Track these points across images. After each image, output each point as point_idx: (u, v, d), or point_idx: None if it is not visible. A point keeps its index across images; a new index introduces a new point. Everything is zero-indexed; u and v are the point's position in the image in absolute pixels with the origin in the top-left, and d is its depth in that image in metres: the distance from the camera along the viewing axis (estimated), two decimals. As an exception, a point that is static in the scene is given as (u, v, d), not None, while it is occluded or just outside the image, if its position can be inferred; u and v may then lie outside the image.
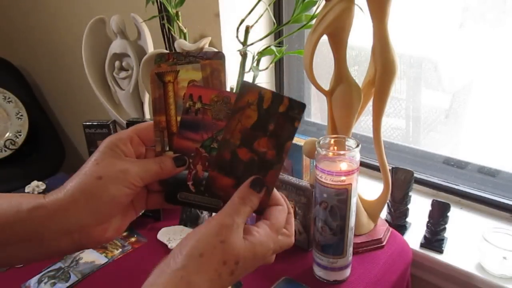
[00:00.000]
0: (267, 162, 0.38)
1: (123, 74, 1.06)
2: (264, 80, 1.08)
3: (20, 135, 1.46)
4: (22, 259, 0.37)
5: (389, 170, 0.72)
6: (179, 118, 0.40)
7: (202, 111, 0.39)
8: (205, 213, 0.79)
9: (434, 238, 0.76)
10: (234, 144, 0.38)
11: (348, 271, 0.65)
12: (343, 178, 0.57)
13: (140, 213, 0.43)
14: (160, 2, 0.93)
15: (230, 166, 0.39)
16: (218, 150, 0.39)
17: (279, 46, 0.81)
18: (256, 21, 0.75)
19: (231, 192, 0.39)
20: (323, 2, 0.63)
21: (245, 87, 0.38)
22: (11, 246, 0.35)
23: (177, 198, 0.42)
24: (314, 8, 0.72)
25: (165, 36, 0.99)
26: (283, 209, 0.40)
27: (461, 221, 0.83)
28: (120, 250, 0.75)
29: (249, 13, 0.74)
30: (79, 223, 0.36)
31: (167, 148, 0.41)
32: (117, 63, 1.06)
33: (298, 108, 0.38)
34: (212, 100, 0.39)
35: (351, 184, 0.58)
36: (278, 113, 0.38)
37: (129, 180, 0.37)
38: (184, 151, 0.40)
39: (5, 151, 1.42)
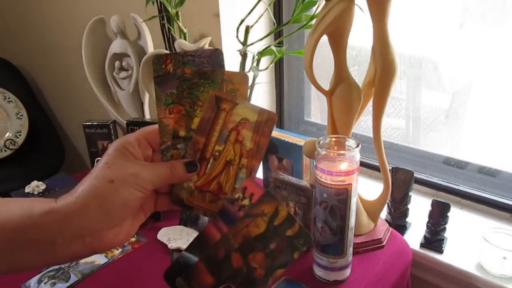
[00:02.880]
0: (252, 280, 0.37)
1: (123, 74, 1.06)
2: (264, 80, 1.09)
3: (20, 135, 1.46)
4: (33, 264, 0.36)
5: (389, 170, 0.72)
6: (216, 147, 0.40)
7: (244, 210, 0.38)
8: (205, 213, 0.79)
9: (434, 238, 0.76)
10: (232, 246, 0.38)
11: (348, 271, 0.65)
12: (343, 178, 0.57)
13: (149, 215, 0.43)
14: (160, 2, 0.93)
15: (218, 266, 0.38)
16: (216, 244, 0.38)
17: (279, 46, 0.81)
18: (256, 21, 0.75)
19: None
20: (323, 2, 0.63)
21: (267, 197, 0.37)
22: (23, 251, 0.35)
23: (183, 201, 0.42)
24: (314, 8, 0.72)
25: (165, 36, 0.99)
26: None
27: (461, 221, 0.83)
28: (120, 250, 0.75)
29: (249, 13, 0.74)
30: (91, 227, 0.36)
31: None
32: (117, 63, 1.06)
33: (304, 238, 0.37)
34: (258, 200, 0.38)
35: (351, 184, 0.58)
36: (284, 235, 0.37)
37: (141, 184, 0.37)
38: (209, 238, 0.39)
39: (5, 151, 1.42)
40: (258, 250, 0.37)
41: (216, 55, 0.40)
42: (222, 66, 0.41)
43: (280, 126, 1.17)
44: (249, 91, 0.82)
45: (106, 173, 0.36)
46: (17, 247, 0.35)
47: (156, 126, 0.41)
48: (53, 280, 0.69)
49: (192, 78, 0.40)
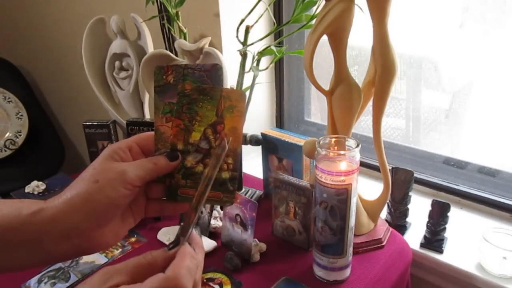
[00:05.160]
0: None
1: (123, 74, 1.06)
2: (264, 80, 1.09)
3: (20, 135, 1.46)
4: (22, 264, 0.37)
5: (389, 170, 0.72)
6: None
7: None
8: (205, 213, 0.79)
9: (434, 238, 0.76)
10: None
11: (348, 271, 0.65)
12: (343, 178, 0.57)
13: (138, 222, 0.44)
14: (160, 2, 0.93)
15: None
16: None
17: (279, 46, 0.81)
18: (256, 21, 0.75)
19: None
20: (323, 2, 0.63)
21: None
22: (11, 250, 0.36)
23: (177, 194, 0.43)
24: (314, 8, 0.72)
25: (165, 36, 0.99)
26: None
27: (461, 221, 0.83)
28: (120, 250, 0.75)
29: (249, 13, 0.74)
30: (78, 227, 0.36)
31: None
32: (117, 63, 1.06)
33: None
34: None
35: (351, 184, 0.58)
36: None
37: (126, 180, 0.37)
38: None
39: (5, 151, 1.42)
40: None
41: (215, 70, 0.41)
42: (221, 80, 0.42)
43: (280, 126, 1.17)
44: (249, 91, 0.82)
45: (91, 174, 0.37)
46: (6, 246, 0.35)
47: (150, 133, 0.42)
48: (53, 280, 0.69)
49: (192, 94, 0.41)
